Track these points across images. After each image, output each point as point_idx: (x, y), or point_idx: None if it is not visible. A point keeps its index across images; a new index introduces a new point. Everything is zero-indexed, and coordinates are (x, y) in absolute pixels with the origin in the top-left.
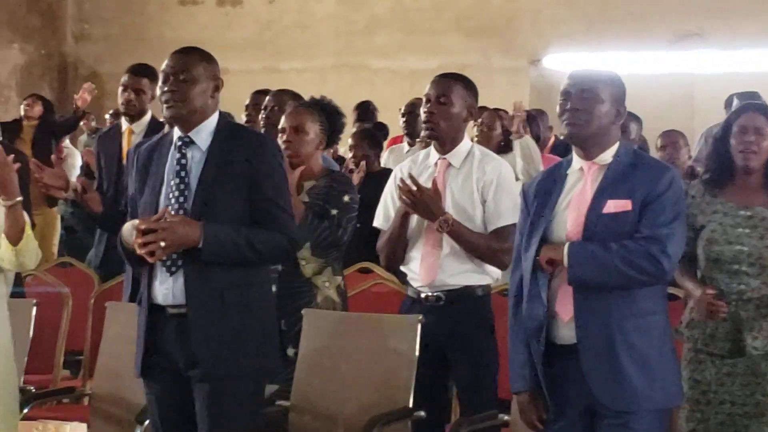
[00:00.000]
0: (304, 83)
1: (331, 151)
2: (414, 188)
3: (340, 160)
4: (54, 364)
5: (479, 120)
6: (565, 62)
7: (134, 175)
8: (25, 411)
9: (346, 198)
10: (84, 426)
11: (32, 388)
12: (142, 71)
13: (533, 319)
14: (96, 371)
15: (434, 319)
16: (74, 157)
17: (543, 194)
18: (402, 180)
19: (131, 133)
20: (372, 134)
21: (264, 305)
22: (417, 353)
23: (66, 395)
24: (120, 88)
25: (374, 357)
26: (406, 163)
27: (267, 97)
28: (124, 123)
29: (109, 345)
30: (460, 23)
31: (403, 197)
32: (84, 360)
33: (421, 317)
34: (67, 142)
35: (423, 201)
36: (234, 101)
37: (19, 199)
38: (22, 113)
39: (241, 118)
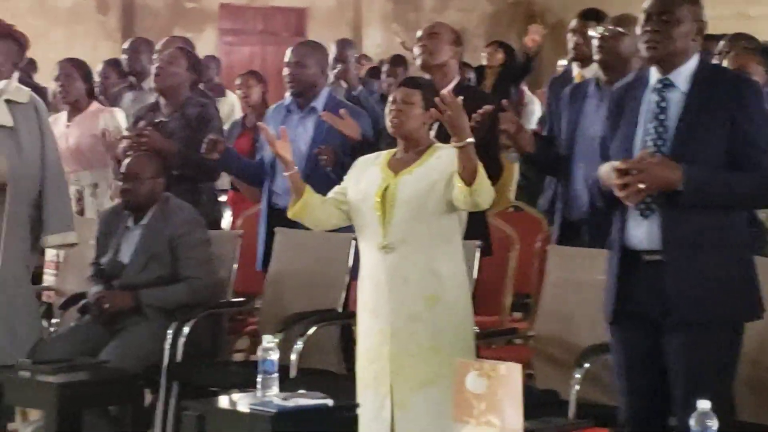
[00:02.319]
0: None
1: None
2: None
3: None
4: (501, 306)
5: None
6: None
7: (606, 117)
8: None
9: None
10: (518, 366)
11: (476, 328)
12: (590, 15)
13: None
14: (538, 313)
15: None
16: (534, 104)
17: None
18: None
19: (582, 79)
20: None
21: (742, 249)
22: None
23: (509, 336)
24: (569, 33)
25: None
26: None
27: (720, 43)
28: (575, 68)
29: (552, 288)
30: None
31: None
32: (532, 303)
33: None
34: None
35: None
36: None
37: (471, 140)
38: (485, 62)
39: None
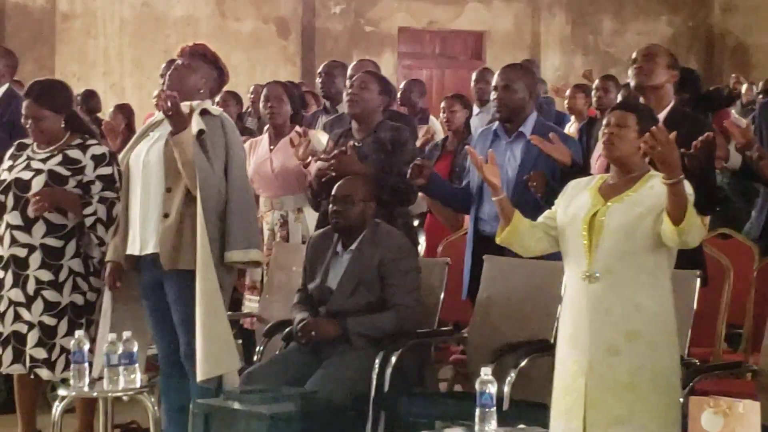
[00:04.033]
0: None
1: None
2: None
3: None
4: (716, 338)
5: None
6: None
7: None
8: (691, 384)
9: None
10: (757, 404)
11: (696, 361)
12: None
13: None
14: (763, 347)
15: None
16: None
17: None
18: None
19: None
20: None
21: None
22: None
23: (730, 370)
24: None
25: None
26: None
27: None
28: None
29: None
30: None
31: None
32: (745, 334)
33: None
34: (733, 112)
35: None
36: None
37: (682, 176)
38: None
39: None
